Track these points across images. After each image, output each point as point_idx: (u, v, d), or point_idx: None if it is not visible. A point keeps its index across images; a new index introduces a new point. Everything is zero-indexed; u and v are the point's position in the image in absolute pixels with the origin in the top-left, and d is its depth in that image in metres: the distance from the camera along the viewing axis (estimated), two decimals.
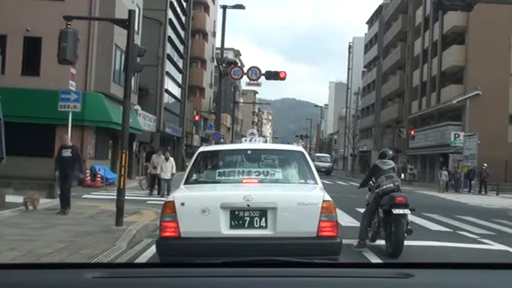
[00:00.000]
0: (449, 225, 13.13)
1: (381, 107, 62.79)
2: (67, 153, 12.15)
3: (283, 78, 22.82)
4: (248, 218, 5.58)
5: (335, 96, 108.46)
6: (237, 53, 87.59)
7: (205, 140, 52.07)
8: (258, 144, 9.46)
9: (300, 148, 7.65)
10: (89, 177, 22.02)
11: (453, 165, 35.09)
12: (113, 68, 23.91)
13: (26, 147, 20.68)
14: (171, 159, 19.01)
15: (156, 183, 19.00)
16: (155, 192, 18.84)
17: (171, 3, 39.79)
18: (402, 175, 36.76)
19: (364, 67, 74.43)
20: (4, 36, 22.39)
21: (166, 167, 18.22)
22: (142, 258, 7.69)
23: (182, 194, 5.98)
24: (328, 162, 59.19)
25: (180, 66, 45.95)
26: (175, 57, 43.36)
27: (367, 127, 68.64)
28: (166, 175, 18.15)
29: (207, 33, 57.79)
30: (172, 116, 42.83)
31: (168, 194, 16.98)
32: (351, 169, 64.47)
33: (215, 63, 52.62)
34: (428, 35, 47.67)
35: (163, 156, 18.85)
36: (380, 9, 68.80)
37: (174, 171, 18.63)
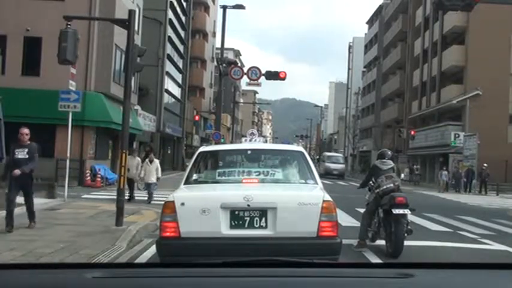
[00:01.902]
0: (450, 225, 13.13)
1: (381, 107, 62.79)
2: (22, 154, 9.57)
3: (283, 78, 22.82)
4: (248, 218, 5.58)
5: (335, 96, 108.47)
6: (237, 53, 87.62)
7: (205, 140, 52.09)
8: (258, 144, 9.49)
9: (300, 148, 7.64)
10: (89, 177, 22.05)
11: (454, 165, 35.07)
12: (113, 68, 23.93)
13: None
14: (156, 161, 16.96)
15: (132, 188, 16.78)
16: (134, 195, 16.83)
17: (171, 3, 39.83)
18: (402, 175, 36.77)
19: (364, 67, 74.41)
20: (4, 36, 22.41)
21: (150, 170, 16.34)
22: (142, 258, 7.69)
23: (182, 194, 5.97)
24: (341, 163, 49.35)
25: (180, 66, 45.98)
26: (175, 57, 43.39)
27: (367, 127, 68.64)
28: (150, 179, 16.32)
29: (207, 33, 57.81)
30: (172, 116, 42.84)
31: (149, 201, 15.84)
32: (351, 169, 64.40)
33: (215, 63, 52.64)
34: (428, 35, 47.66)
35: (138, 158, 17.30)
36: (380, 9, 68.81)
37: (160, 174, 16.73)
